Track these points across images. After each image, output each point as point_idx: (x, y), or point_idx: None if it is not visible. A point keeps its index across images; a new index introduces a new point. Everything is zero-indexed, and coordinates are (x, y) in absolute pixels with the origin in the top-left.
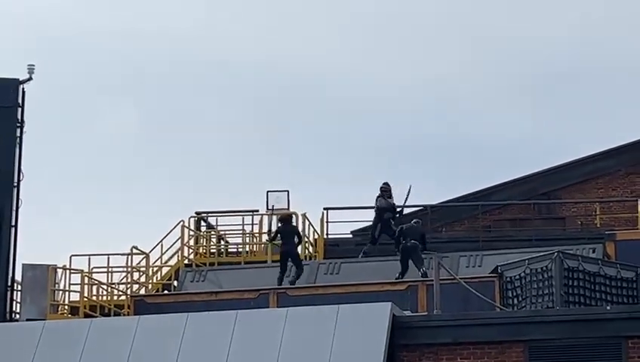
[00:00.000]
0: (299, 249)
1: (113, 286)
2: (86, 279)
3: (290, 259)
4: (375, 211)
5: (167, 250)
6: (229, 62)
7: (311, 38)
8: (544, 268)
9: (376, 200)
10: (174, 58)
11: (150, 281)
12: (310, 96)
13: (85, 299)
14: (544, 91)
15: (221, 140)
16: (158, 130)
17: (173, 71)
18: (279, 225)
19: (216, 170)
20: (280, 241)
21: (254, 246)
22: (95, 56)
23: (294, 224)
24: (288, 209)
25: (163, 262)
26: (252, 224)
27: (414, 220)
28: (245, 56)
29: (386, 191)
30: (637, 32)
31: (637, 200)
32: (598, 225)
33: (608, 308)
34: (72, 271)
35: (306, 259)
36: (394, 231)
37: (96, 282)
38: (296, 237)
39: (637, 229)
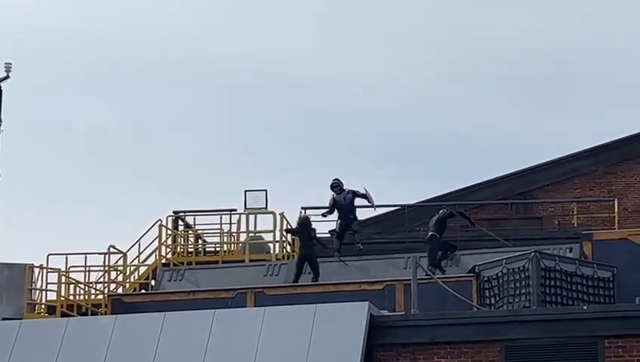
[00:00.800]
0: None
1: (90, 285)
2: (63, 278)
3: (307, 262)
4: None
5: (144, 249)
6: (207, 61)
7: (290, 36)
8: (521, 268)
9: (332, 198)
10: (151, 57)
11: (128, 280)
12: (288, 95)
13: (62, 299)
14: (522, 91)
15: (199, 139)
16: (136, 130)
17: (151, 70)
18: (297, 228)
19: (194, 169)
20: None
21: (232, 245)
22: (73, 54)
23: (313, 227)
24: (266, 208)
25: (140, 261)
26: (230, 223)
27: (441, 209)
28: (223, 54)
29: (336, 186)
30: (618, 32)
31: (614, 200)
32: (575, 225)
33: (585, 307)
34: (49, 270)
35: (283, 258)
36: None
37: (74, 281)
38: (314, 240)
39: (614, 229)
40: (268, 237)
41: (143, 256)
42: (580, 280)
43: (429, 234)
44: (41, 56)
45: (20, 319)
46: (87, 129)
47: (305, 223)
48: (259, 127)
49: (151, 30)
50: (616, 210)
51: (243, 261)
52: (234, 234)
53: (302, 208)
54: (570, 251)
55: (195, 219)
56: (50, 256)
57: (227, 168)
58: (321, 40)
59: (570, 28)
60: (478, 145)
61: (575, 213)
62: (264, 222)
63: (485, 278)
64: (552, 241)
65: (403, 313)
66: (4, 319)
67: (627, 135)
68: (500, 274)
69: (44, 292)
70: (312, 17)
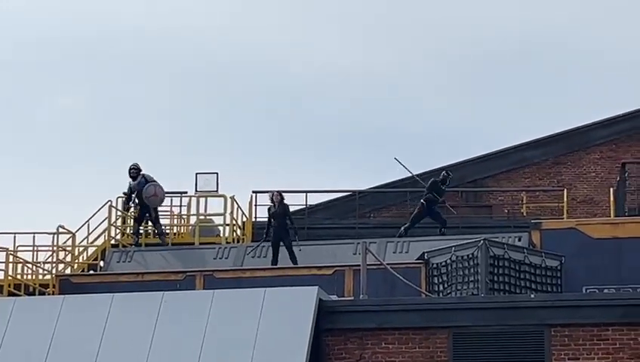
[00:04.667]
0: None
1: (38, 265)
2: (11, 257)
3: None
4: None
5: (93, 230)
6: (159, 47)
7: (250, 21)
8: (470, 256)
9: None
10: (104, 44)
11: (76, 261)
12: (243, 79)
13: (10, 278)
14: (476, 81)
15: (151, 122)
16: (91, 114)
17: (104, 56)
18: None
19: (145, 151)
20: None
21: (182, 227)
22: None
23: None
24: (217, 191)
25: (89, 241)
26: (180, 206)
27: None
28: (178, 38)
29: (133, 170)
30: (571, 22)
31: (563, 190)
32: (525, 214)
33: (532, 296)
34: None
35: (233, 241)
36: None
37: (21, 261)
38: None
39: (562, 219)
40: (218, 220)
41: (92, 237)
42: (528, 269)
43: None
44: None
45: None
46: (49, 112)
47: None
48: (211, 111)
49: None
50: (565, 199)
51: (193, 243)
52: (184, 217)
53: (253, 192)
54: (519, 240)
55: None
56: None
57: (178, 151)
58: (285, 25)
59: (531, 20)
60: (432, 134)
61: (525, 202)
62: (215, 205)
63: (434, 265)
64: (502, 230)
65: (352, 298)
66: None
67: (577, 126)
68: (448, 261)
69: None
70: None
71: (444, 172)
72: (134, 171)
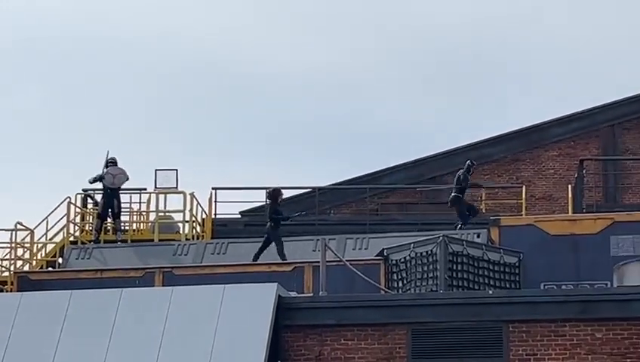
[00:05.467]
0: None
1: None
2: None
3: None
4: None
5: (52, 227)
6: (122, 39)
7: (210, 16)
8: (429, 252)
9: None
10: (69, 34)
11: (34, 258)
12: (203, 75)
13: None
14: (437, 79)
15: (110, 119)
16: (50, 111)
17: (67, 47)
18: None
19: (104, 148)
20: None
21: (141, 224)
22: None
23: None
24: (176, 188)
25: (48, 238)
26: (140, 202)
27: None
28: (139, 32)
29: (111, 163)
30: (531, 22)
31: (522, 187)
32: (484, 211)
33: (490, 292)
34: None
35: (193, 238)
36: None
37: None
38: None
39: (521, 215)
40: (178, 216)
41: (50, 234)
42: (486, 265)
43: (452, 195)
44: None
45: None
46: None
47: (272, 197)
48: (171, 108)
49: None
50: (523, 196)
51: (152, 240)
52: (143, 214)
53: (213, 188)
54: (478, 236)
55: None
56: None
57: (138, 147)
58: (239, 23)
59: (485, 20)
60: (392, 131)
61: (483, 198)
62: (174, 202)
63: (393, 262)
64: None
65: (311, 295)
66: None
67: (536, 123)
68: (408, 257)
69: None
70: (229, 1)
71: (468, 161)
72: (112, 165)
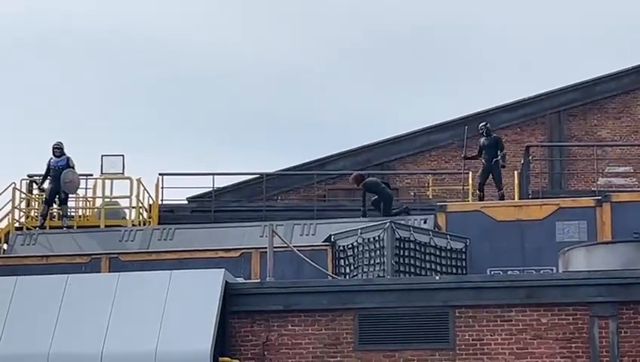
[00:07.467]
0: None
1: None
2: None
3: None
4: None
5: None
6: (72, 27)
7: (158, 5)
8: (376, 238)
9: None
10: (21, 22)
11: None
12: (153, 62)
13: None
14: (385, 66)
15: (56, 105)
16: None
17: (17, 33)
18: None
19: (50, 133)
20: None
21: (88, 210)
22: None
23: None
24: (123, 173)
25: None
26: (86, 188)
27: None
28: (89, 20)
29: (57, 149)
30: (481, 9)
31: (468, 173)
32: (430, 197)
33: (437, 277)
34: None
35: (139, 224)
36: None
37: None
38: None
39: (467, 201)
40: (124, 202)
41: None
42: (433, 251)
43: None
44: None
45: None
46: None
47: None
48: (119, 91)
49: None
50: (470, 182)
51: (98, 226)
52: (90, 199)
53: (159, 174)
54: (425, 222)
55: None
56: None
57: (84, 132)
58: (190, 10)
59: (434, 6)
60: (340, 119)
61: (430, 184)
62: (121, 188)
63: (341, 247)
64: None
65: (258, 281)
66: None
67: (483, 109)
68: (355, 243)
69: None
70: None
71: (481, 124)
72: (58, 151)
